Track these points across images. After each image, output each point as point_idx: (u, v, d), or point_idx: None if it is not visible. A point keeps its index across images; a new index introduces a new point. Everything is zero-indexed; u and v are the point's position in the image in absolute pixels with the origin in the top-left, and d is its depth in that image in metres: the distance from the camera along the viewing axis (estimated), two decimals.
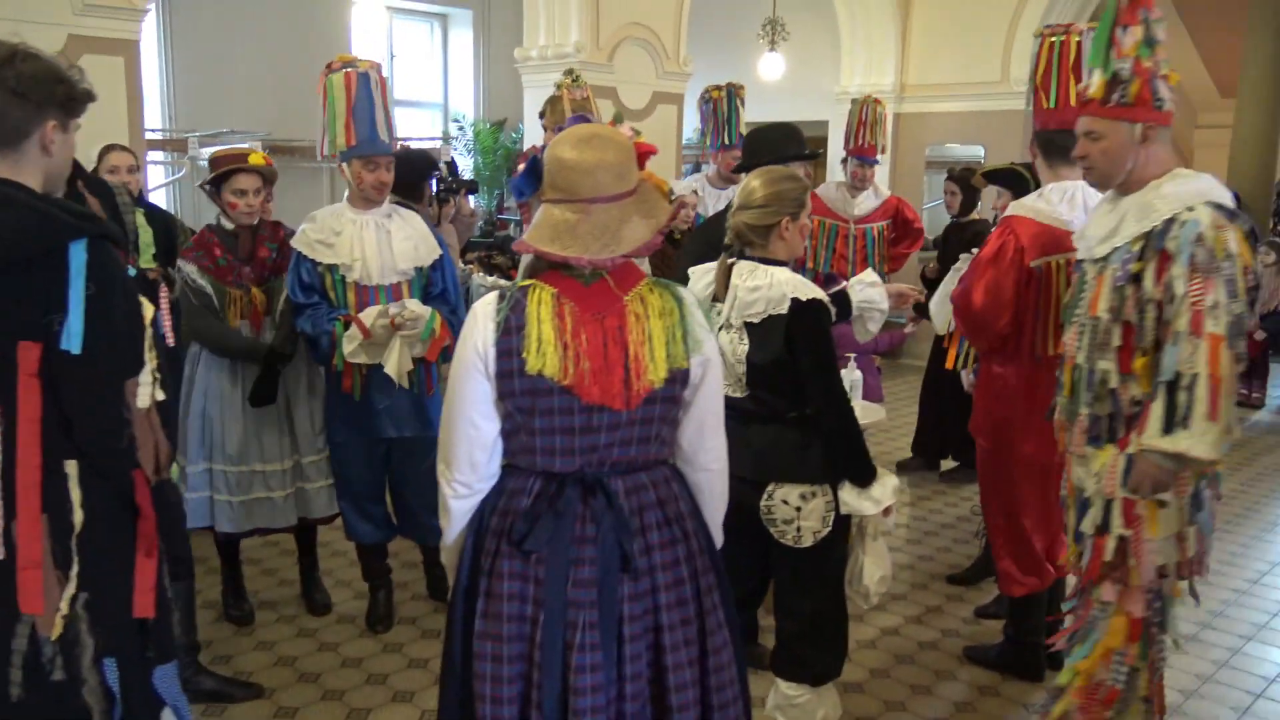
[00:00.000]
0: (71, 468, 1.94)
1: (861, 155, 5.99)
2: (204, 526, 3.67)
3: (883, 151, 6.21)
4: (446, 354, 3.44)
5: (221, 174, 3.54)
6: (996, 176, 4.73)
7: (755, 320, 2.65)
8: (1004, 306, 3.29)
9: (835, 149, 8.32)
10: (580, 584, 1.92)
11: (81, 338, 1.86)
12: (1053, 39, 3.47)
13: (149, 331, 2.03)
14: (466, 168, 10.12)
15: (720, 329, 2.73)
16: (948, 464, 5.95)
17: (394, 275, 3.55)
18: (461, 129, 10.50)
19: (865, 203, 6.05)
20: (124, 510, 2.02)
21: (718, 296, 2.78)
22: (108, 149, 4.16)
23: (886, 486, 2.68)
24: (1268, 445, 6.96)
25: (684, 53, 7.45)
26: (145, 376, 2.00)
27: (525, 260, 2.02)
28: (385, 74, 3.58)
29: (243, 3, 8.51)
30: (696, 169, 9.71)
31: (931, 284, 5.73)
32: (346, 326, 3.44)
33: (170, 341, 3.20)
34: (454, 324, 3.50)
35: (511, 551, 1.95)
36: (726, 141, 5.43)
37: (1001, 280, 3.27)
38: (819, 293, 2.67)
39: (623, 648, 1.94)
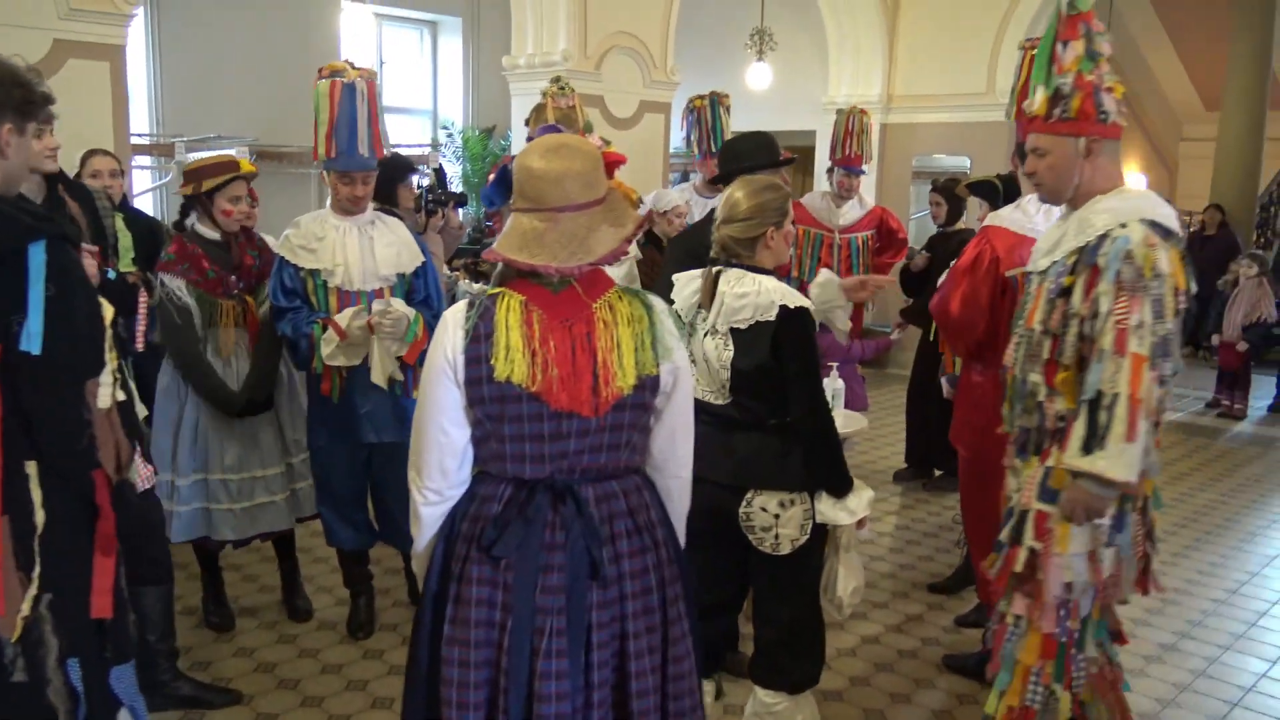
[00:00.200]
0: (32, 468, 1.94)
1: (848, 165, 6.05)
2: (199, 538, 3.68)
3: (868, 161, 6.25)
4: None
5: (221, 183, 3.53)
6: (978, 188, 4.77)
7: (742, 326, 2.67)
8: (980, 315, 3.31)
9: (822, 159, 8.36)
10: (549, 591, 1.93)
11: (41, 338, 1.86)
12: (1034, 51, 3.49)
13: (109, 332, 2.03)
14: (455, 174, 10.13)
15: (706, 335, 2.75)
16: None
17: (376, 281, 3.56)
18: (450, 136, 10.51)
19: (850, 213, 6.09)
20: (84, 511, 2.02)
21: (704, 304, 2.80)
22: (90, 154, 4.16)
23: (862, 498, 2.68)
24: (1249, 456, 7.00)
25: (671, 62, 7.48)
26: (106, 377, 2.00)
27: (495, 268, 2.03)
28: (373, 82, 3.55)
29: (231, 8, 8.51)
30: (685, 178, 9.74)
31: (914, 279, 5.76)
32: (325, 330, 3.46)
33: (140, 346, 3.21)
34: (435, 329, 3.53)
35: (481, 557, 1.95)
36: (712, 150, 5.47)
37: (978, 289, 3.30)
38: (806, 301, 2.69)
39: (590, 655, 1.94)
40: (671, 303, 2.79)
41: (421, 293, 3.66)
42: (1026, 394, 2.68)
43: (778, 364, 2.63)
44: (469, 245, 9.45)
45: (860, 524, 2.72)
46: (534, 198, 1.93)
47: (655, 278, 4.58)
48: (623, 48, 7.12)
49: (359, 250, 3.54)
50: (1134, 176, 14.09)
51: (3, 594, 1.89)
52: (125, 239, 3.11)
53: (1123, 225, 2.48)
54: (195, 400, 3.61)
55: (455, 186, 9.48)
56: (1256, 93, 11.22)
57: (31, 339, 1.86)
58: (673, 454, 2.09)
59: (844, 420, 4.47)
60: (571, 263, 1.91)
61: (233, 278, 3.62)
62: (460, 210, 5.75)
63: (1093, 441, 2.44)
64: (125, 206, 4.35)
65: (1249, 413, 8.20)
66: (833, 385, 4.51)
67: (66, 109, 3.24)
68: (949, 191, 5.64)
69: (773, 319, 2.62)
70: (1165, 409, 2.63)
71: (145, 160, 7.88)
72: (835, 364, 4.70)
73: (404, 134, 10.17)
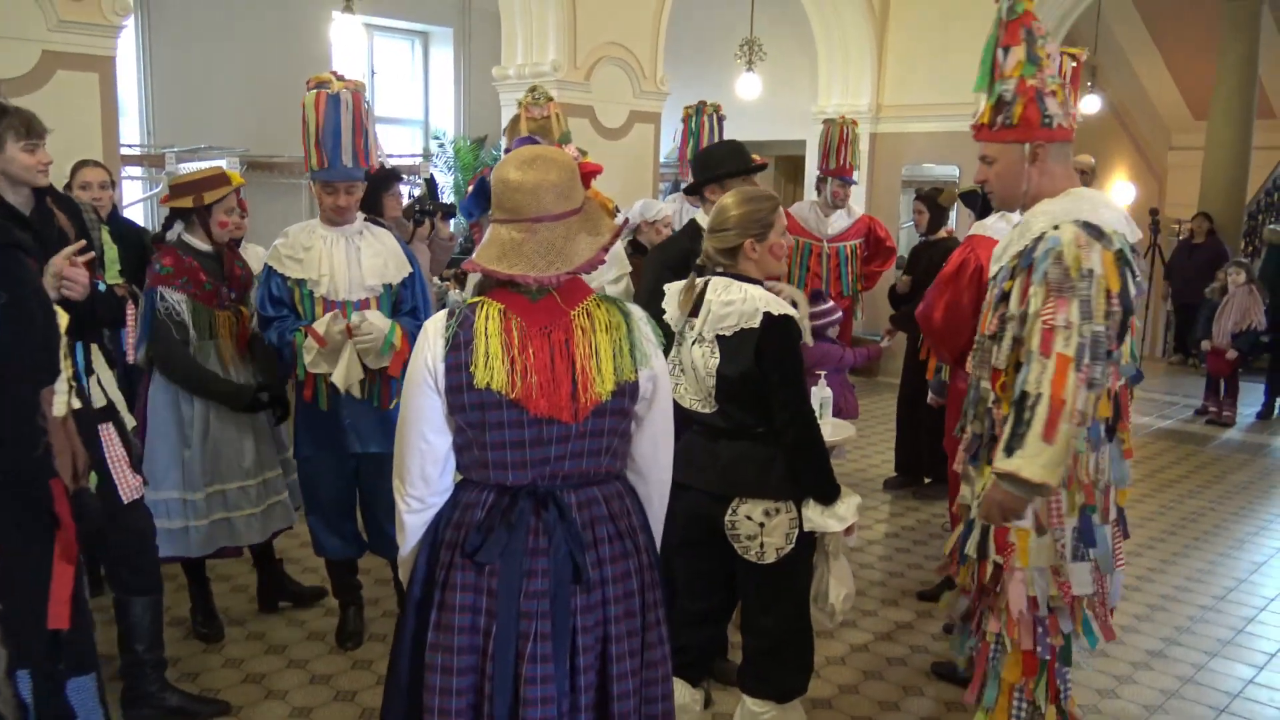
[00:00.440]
0: None
1: (843, 175, 6.12)
2: (220, 549, 3.74)
3: (856, 170, 6.31)
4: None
5: (223, 195, 3.58)
6: (967, 197, 4.81)
7: (727, 333, 2.68)
8: (964, 323, 3.32)
9: (813, 168, 8.39)
10: (533, 596, 1.95)
11: None
12: None
13: (64, 340, 2.02)
14: (446, 184, 10.15)
15: (693, 344, 2.76)
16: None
17: (362, 291, 3.57)
18: (442, 146, 10.53)
19: (838, 222, 6.14)
20: (38, 520, 1.99)
21: (691, 312, 2.81)
22: (79, 165, 4.17)
23: (850, 504, 2.67)
24: (1237, 463, 7.03)
25: (661, 73, 7.51)
26: (61, 385, 1.99)
27: (474, 279, 2.06)
28: (361, 93, 3.56)
29: (222, 19, 8.52)
30: (676, 188, 9.77)
31: (901, 300, 5.79)
32: (306, 337, 3.49)
33: (131, 359, 3.21)
34: None
35: (465, 563, 1.97)
36: None
37: (961, 297, 3.32)
38: (790, 310, 2.70)
39: (575, 659, 1.97)
40: (662, 313, 2.81)
41: (409, 303, 3.66)
42: (978, 400, 2.69)
43: (762, 371, 2.64)
44: (460, 255, 9.47)
45: (848, 531, 2.72)
46: (512, 209, 1.96)
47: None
48: (612, 58, 7.15)
49: (345, 260, 3.55)
50: (1122, 186, 14.16)
51: None
52: (112, 251, 3.11)
53: (1055, 227, 2.47)
54: (202, 412, 3.63)
55: (447, 197, 9.50)
56: (1243, 102, 11.28)
57: None
58: (655, 460, 2.13)
59: (833, 428, 4.48)
60: (550, 272, 1.94)
61: (224, 288, 3.66)
62: (451, 221, 5.76)
63: (1014, 442, 2.41)
64: (116, 217, 4.35)
65: (1238, 419, 8.24)
66: (820, 394, 4.53)
67: (56, 120, 3.26)
68: (931, 200, 5.67)
69: (756, 326, 2.63)
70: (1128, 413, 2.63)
71: (136, 171, 7.89)
72: (823, 372, 4.72)
73: (395, 144, 10.18)
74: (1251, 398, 8.65)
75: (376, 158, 3.65)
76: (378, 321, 3.47)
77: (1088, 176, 6.00)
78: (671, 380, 2.82)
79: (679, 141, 5.95)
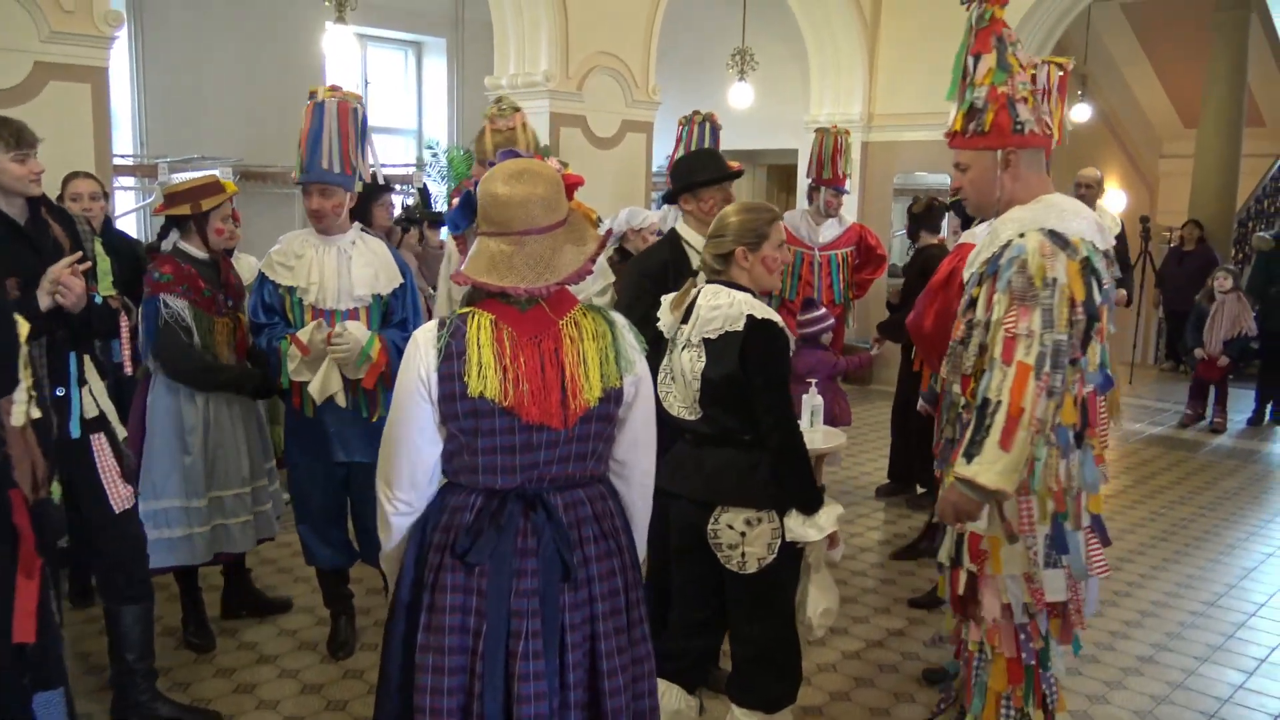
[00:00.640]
0: None
1: (836, 185, 6.17)
2: (217, 555, 3.79)
3: (848, 178, 6.36)
4: (385, 380, 3.48)
5: (219, 202, 3.63)
6: (957, 206, 4.83)
7: (713, 336, 2.70)
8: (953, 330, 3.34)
9: (804, 177, 8.42)
10: (523, 594, 2.00)
11: None
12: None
13: (24, 349, 2.01)
14: (440, 194, 10.16)
15: (683, 349, 2.77)
16: None
17: (350, 301, 3.58)
18: (435, 156, 10.54)
19: (829, 230, 6.17)
20: None
21: (683, 317, 2.84)
22: (70, 176, 4.17)
23: (831, 514, 2.67)
24: (1228, 469, 7.06)
25: (653, 82, 7.54)
26: (20, 395, 1.97)
27: (463, 290, 2.10)
28: (350, 103, 3.58)
29: (215, 29, 8.54)
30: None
31: (895, 309, 5.82)
32: (290, 345, 3.52)
33: (129, 370, 3.22)
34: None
35: (455, 565, 2.01)
36: None
37: (951, 305, 3.32)
38: (775, 316, 2.72)
39: (565, 656, 2.02)
40: (641, 321, 2.83)
41: (399, 314, 3.67)
42: (949, 405, 2.71)
43: (745, 374, 2.65)
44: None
45: (832, 543, 2.72)
46: (501, 222, 2.01)
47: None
48: (604, 68, 7.18)
49: (335, 269, 3.57)
50: (1114, 193, 14.22)
51: None
52: (104, 263, 3.12)
53: (1021, 235, 2.48)
54: (204, 418, 3.66)
55: (440, 206, 9.51)
56: (1233, 111, 11.36)
57: None
58: (636, 462, 2.18)
59: (824, 436, 4.50)
60: (539, 284, 1.99)
61: (221, 295, 3.71)
62: (441, 229, 5.77)
63: (973, 448, 2.43)
64: (109, 229, 4.36)
65: (1229, 426, 8.27)
66: (812, 401, 4.55)
67: (48, 131, 3.27)
68: (910, 210, 5.72)
69: (741, 329, 2.65)
70: (1104, 422, 2.63)
71: (129, 181, 7.89)
72: (814, 380, 4.74)
73: (389, 154, 10.20)
74: (1242, 404, 8.69)
75: (368, 168, 3.66)
76: (356, 333, 3.48)
77: (1095, 190, 6.02)
78: (663, 389, 2.84)
79: (677, 151, 5.97)
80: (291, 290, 3.56)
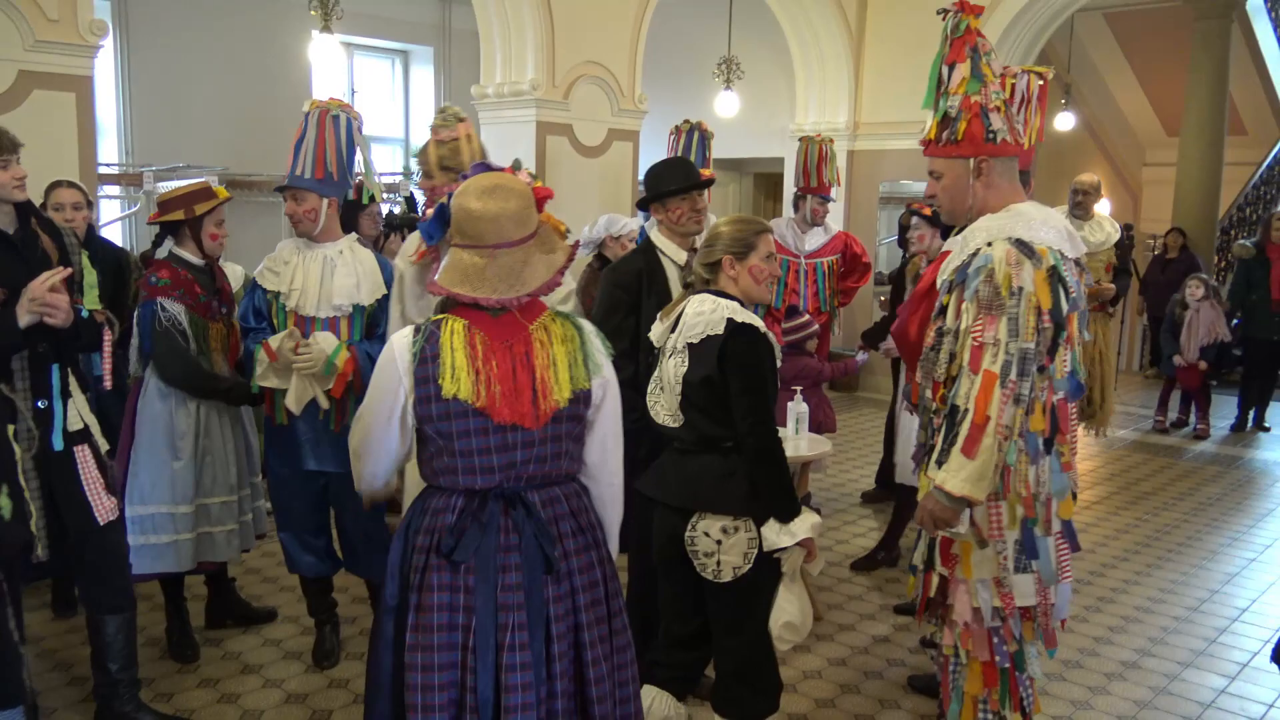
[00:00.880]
0: None
1: (821, 193, 6.21)
2: (201, 564, 3.78)
3: (834, 187, 6.39)
4: (355, 391, 3.49)
5: (211, 207, 3.65)
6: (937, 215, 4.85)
7: (695, 340, 2.73)
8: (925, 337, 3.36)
9: (790, 185, 8.45)
10: (508, 589, 2.09)
11: None
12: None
13: None
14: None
15: (670, 357, 2.80)
16: None
17: (329, 309, 3.59)
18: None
19: (815, 238, 6.21)
20: None
21: (671, 326, 2.86)
22: (54, 185, 4.15)
23: (806, 521, 2.66)
24: (1210, 475, 7.10)
25: (639, 91, 7.56)
26: None
27: (438, 299, 2.20)
28: (332, 110, 3.59)
29: (200, 38, 8.53)
30: None
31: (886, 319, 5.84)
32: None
33: (109, 385, 3.22)
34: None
35: (440, 564, 2.10)
36: None
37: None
38: (758, 321, 2.74)
39: (550, 647, 2.12)
40: (617, 330, 2.89)
41: (382, 325, 3.67)
42: (923, 410, 2.74)
43: (723, 376, 2.67)
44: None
45: (809, 556, 2.72)
46: (474, 236, 2.11)
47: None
48: (591, 77, 7.20)
49: (318, 277, 3.59)
50: (1098, 201, 14.30)
51: None
52: (91, 276, 3.12)
53: (989, 244, 2.51)
54: (195, 425, 3.66)
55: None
56: (1215, 119, 11.45)
57: None
58: (604, 462, 2.29)
59: (809, 444, 4.52)
60: (511, 294, 2.10)
61: (215, 301, 3.74)
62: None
63: (942, 455, 2.47)
64: (92, 238, 4.34)
65: (1211, 432, 8.33)
66: (796, 409, 4.57)
67: (33, 140, 3.26)
68: (901, 221, 5.75)
69: (721, 332, 2.67)
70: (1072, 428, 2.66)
71: (114, 190, 7.87)
72: (799, 388, 4.75)
73: (376, 163, 10.20)
74: (1225, 410, 8.75)
75: (351, 178, 3.69)
76: (323, 344, 3.49)
77: (1092, 195, 6.06)
78: (651, 399, 2.87)
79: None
80: (277, 295, 3.60)
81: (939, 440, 2.52)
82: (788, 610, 2.72)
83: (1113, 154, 15.68)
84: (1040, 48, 9.12)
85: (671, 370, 2.78)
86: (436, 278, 2.14)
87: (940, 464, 2.47)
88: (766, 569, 2.72)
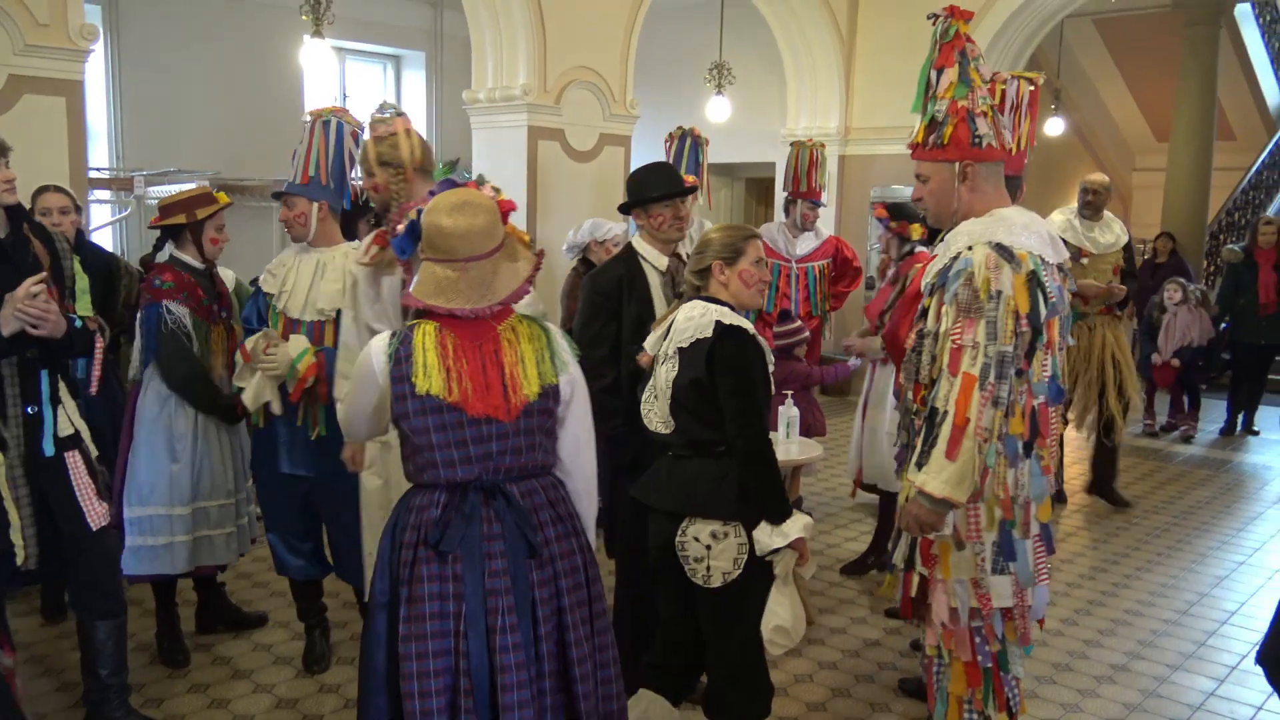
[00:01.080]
0: None
1: (811, 198, 6.22)
2: (198, 568, 3.79)
3: (824, 191, 6.41)
4: (320, 397, 3.50)
5: (213, 211, 3.69)
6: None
7: (685, 344, 2.74)
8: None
9: (781, 190, 8.47)
10: (494, 575, 2.21)
11: None
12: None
13: None
14: None
15: (662, 364, 2.80)
16: None
17: (314, 313, 3.59)
18: None
19: (806, 243, 6.23)
20: None
21: (664, 333, 2.88)
22: (40, 190, 4.14)
23: (797, 523, 2.66)
24: (1199, 479, 7.13)
25: (631, 96, 7.58)
26: None
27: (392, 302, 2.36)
28: (324, 116, 3.61)
29: (191, 43, 8.53)
30: None
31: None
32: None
33: (94, 390, 3.21)
34: None
35: (429, 556, 2.21)
36: None
37: None
38: (747, 324, 2.75)
39: (537, 629, 2.24)
40: (594, 338, 3.11)
41: None
42: (904, 412, 2.77)
43: (712, 378, 2.68)
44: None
45: (801, 559, 2.72)
46: (446, 250, 2.26)
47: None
48: (582, 81, 7.21)
49: (307, 281, 3.61)
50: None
51: None
52: (83, 282, 3.11)
53: (970, 248, 2.54)
54: (193, 427, 3.68)
55: None
56: (1203, 125, 11.53)
57: None
58: (577, 458, 2.43)
59: (800, 448, 4.52)
60: (483, 304, 2.26)
61: (216, 305, 3.78)
62: None
63: (923, 457, 2.50)
64: (81, 243, 4.34)
65: (1199, 435, 8.37)
66: (787, 413, 4.57)
67: (23, 145, 3.25)
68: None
69: (710, 335, 2.68)
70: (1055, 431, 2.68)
71: (105, 194, 7.86)
72: (789, 392, 4.76)
73: None
74: (1214, 414, 8.79)
75: (348, 184, 3.72)
76: (291, 349, 3.49)
77: (1102, 195, 6.05)
78: (645, 407, 2.88)
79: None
80: (270, 297, 3.64)
81: (919, 443, 2.54)
82: (779, 614, 2.71)
83: (1102, 159, 15.76)
84: (1030, 53, 9.16)
85: (663, 376, 2.79)
86: (411, 290, 2.27)
87: (920, 466, 2.49)
88: (757, 573, 2.71)
